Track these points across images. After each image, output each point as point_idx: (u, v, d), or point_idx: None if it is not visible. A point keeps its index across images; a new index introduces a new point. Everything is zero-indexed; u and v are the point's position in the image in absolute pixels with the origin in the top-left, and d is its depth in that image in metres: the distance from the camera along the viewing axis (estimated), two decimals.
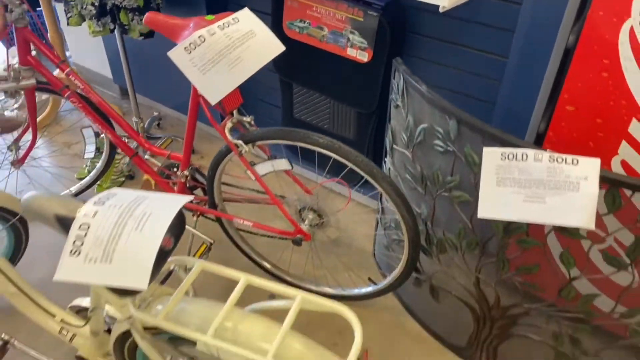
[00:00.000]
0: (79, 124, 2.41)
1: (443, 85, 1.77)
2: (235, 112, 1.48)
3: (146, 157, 1.82)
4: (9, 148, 1.91)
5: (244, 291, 0.94)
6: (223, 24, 1.25)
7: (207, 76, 1.24)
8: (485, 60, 1.65)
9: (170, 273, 1.05)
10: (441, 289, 1.58)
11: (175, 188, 1.76)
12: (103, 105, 1.67)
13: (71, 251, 0.82)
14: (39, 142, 2.20)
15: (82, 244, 0.82)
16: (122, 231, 0.83)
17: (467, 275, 1.46)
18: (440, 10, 1.35)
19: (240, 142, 1.46)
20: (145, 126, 2.48)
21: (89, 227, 0.84)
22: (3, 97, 1.77)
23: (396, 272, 1.59)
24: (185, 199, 0.91)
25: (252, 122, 1.51)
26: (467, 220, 1.34)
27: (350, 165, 1.39)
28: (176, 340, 1.01)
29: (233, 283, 0.95)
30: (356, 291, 1.75)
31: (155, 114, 2.65)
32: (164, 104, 2.73)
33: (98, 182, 2.22)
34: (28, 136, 1.93)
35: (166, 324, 0.87)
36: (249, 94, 2.32)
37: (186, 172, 1.68)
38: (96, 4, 1.83)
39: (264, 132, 1.44)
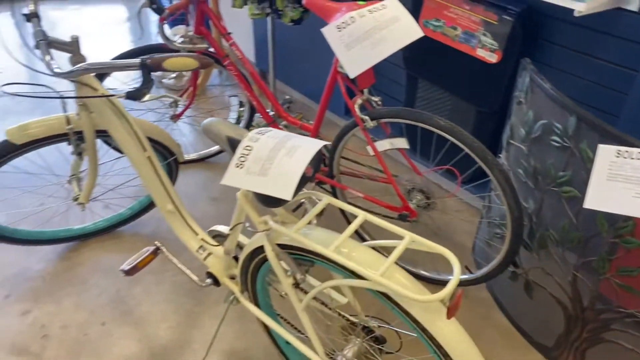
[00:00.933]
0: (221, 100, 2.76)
1: (565, 93, 1.81)
2: (366, 90, 1.66)
3: (281, 125, 2.06)
4: (170, 105, 2.27)
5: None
6: (373, 8, 1.44)
7: (352, 52, 1.43)
8: (613, 72, 1.67)
9: (299, 205, 1.25)
10: (536, 284, 1.63)
11: None
12: (254, 76, 1.94)
13: (236, 164, 1.04)
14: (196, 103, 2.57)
15: (245, 160, 1.04)
16: (277, 155, 1.03)
17: (564, 272, 1.50)
18: (576, 14, 1.43)
19: (366, 117, 1.64)
20: None
21: (251, 149, 1.05)
22: None
23: (494, 263, 1.67)
24: (324, 142, 1.11)
25: (380, 103, 1.69)
26: (573, 216, 1.39)
27: (466, 149, 1.50)
28: (297, 260, 1.21)
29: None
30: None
31: (287, 97, 2.93)
32: (296, 89, 3.01)
33: None
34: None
35: (297, 236, 1.06)
36: (374, 86, 2.51)
37: None
38: None
39: (389, 110, 1.61)
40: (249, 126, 2.39)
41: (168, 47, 1.76)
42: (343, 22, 1.43)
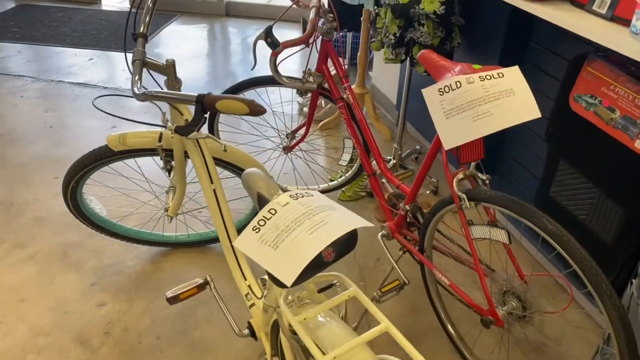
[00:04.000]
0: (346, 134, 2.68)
1: None
2: (472, 164, 1.42)
3: (383, 180, 1.89)
4: (287, 135, 2.25)
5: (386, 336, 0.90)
6: (485, 75, 1.21)
7: (449, 121, 1.22)
8: None
9: (330, 285, 1.08)
10: None
11: (395, 218, 1.79)
12: (362, 124, 1.81)
13: (254, 227, 0.93)
14: (311, 137, 2.53)
15: (264, 224, 0.92)
16: (297, 228, 0.89)
17: None
18: None
19: (464, 196, 1.39)
20: (403, 155, 2.59)
21: (275, 213, 0.93)
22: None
23: None
24: (363, 222, 0.93)
25: (487, 182, 1.43)
26: None
27: (573, 266, 1.18)
28: (308, 351, 1.04)
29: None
30: None
31: (417, 147, 2.73)
32: (430, 141, 2.80)
33: (342, 189, 2.43)
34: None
35: (297, 326, 0.90)
36: (507, 149, 2.18)
37: (408, 207, 1.69)
38: (397, 34, 2.00)
39: (491, 195, 1.34)
40: (359, 173, 2.26)
41: (276, 80, 1.73)
42: (447, 86, 1.23)
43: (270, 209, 0.93)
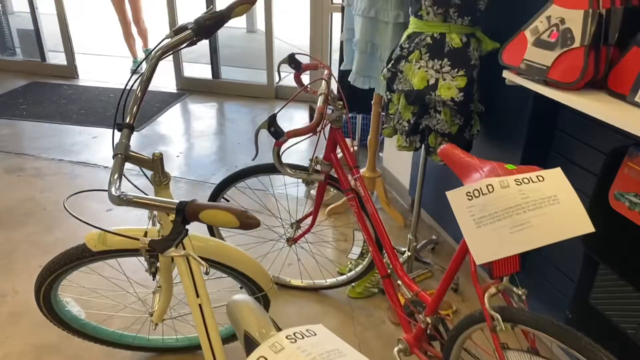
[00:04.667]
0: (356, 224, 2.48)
1: None
2: (505, 278, 1.21)
3: (397, 282, 1.67)
4: (291, 225, 2.06)
5: None
6: (522, 178, 1.03)
7: (481, 231, 1.02)
8: None
9: None
10: None
11: (414, 330, 1.55)
12: (374, 218, 1.62)
13: None
14: (318, 228, 2.34)
15: None
16: None
17: None
18: None
19: (498, 316, 1.17)
20: (418, 246, 2.38)
21: None
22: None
23: None
24: None
25: (524, 298, 1.21)
26: None
27: None
28: None
29: None
30: None
31: (434, 237, 2.52)
32: (447, 231, 2.59)
33: (353, 284, 2.20)
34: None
35: None
36: (539, 251, 1.96)
37: (429, 320, 1.45)
38: (412, 121, 1.85)
39: (531, 318, 1.12)
40: (371, 268, 2.04)
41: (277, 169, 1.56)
42: (476, 190, 1.04)
43: (260, 357, 0.72)
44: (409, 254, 2.27)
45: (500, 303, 1.23)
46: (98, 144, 3.62)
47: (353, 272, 2.12)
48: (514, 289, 1.20)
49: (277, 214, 2.15)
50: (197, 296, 1.15)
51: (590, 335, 1.21)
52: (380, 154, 3.28)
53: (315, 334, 0.77)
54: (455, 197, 1.07)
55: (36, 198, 2.90)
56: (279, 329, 0.88)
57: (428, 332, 1.51)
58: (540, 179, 1.03)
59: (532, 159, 1.88)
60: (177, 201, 0.87)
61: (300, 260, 2.23)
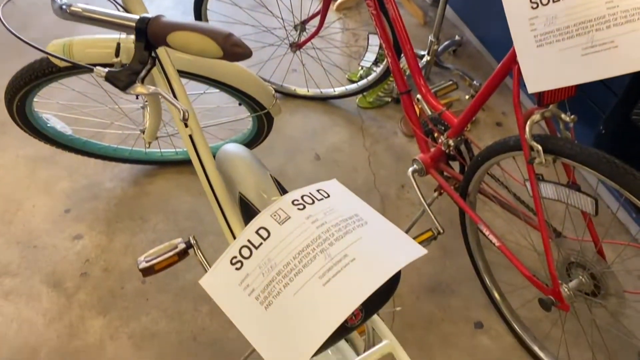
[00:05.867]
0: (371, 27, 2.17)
1: None
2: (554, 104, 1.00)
3: (418, 96, 1.47)
4: (295, 27, 1.77)
5: None
6: None
7: (543, 50, 0.78)
8: None
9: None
10: None
11: (432, 150, 1.41)
12: (397, 23, 1.34)
13: (233, 259, 0.57)
14: (325, 31, 2.03)
15: (249, 255, 0.57)
16: (303, 270, 0.53)
17: None
18: None
19: (539, 147, 1.00)
20: (439, 49, 2.11)
21: (268, 237, 0.57)
22: None
23: None
24: (414, 252, 0.57)
25: (572, 126, 1.02)
26: None
27: None
28: None
29: None
30: None
31: (457, 38, 2.23)
32: (472, 29, 2.28)
33: (364, 93, 2.00)
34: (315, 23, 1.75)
35: None
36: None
37: (452, 142, 1.30)
38: None
39: (576, 150, 0.95)
40: (386, 76, 1.81)
41: None
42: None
43: (260, 229, 0.57)
44: (428, 58, 2.02)
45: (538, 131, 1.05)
46: None
47: (365, 80, 1.90)
48: (563, 115, 1.01)
49: (277, 13, 1.83)
50: (186, 126, 0.97)
51: (624, 152, 1.06)
52: None
53: (329, 195, 0.61)
54: (512, 4, 0.80)
55: None
56: (283, 192, 0.72)
57: (448, 152, 1.37)
58: None
59: None
60: (137, 17, 0.62)
61: (306, 66, 1.99)
